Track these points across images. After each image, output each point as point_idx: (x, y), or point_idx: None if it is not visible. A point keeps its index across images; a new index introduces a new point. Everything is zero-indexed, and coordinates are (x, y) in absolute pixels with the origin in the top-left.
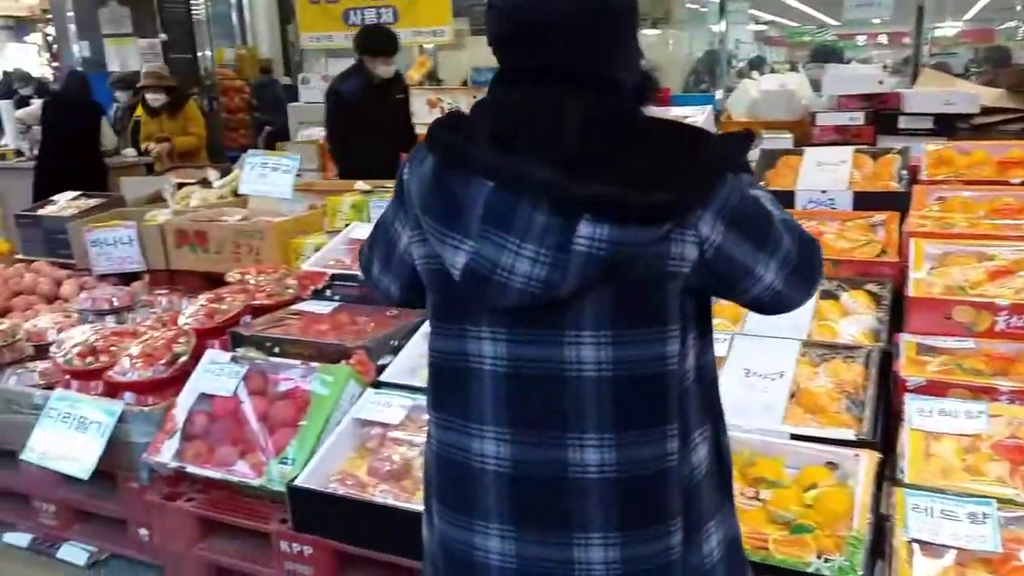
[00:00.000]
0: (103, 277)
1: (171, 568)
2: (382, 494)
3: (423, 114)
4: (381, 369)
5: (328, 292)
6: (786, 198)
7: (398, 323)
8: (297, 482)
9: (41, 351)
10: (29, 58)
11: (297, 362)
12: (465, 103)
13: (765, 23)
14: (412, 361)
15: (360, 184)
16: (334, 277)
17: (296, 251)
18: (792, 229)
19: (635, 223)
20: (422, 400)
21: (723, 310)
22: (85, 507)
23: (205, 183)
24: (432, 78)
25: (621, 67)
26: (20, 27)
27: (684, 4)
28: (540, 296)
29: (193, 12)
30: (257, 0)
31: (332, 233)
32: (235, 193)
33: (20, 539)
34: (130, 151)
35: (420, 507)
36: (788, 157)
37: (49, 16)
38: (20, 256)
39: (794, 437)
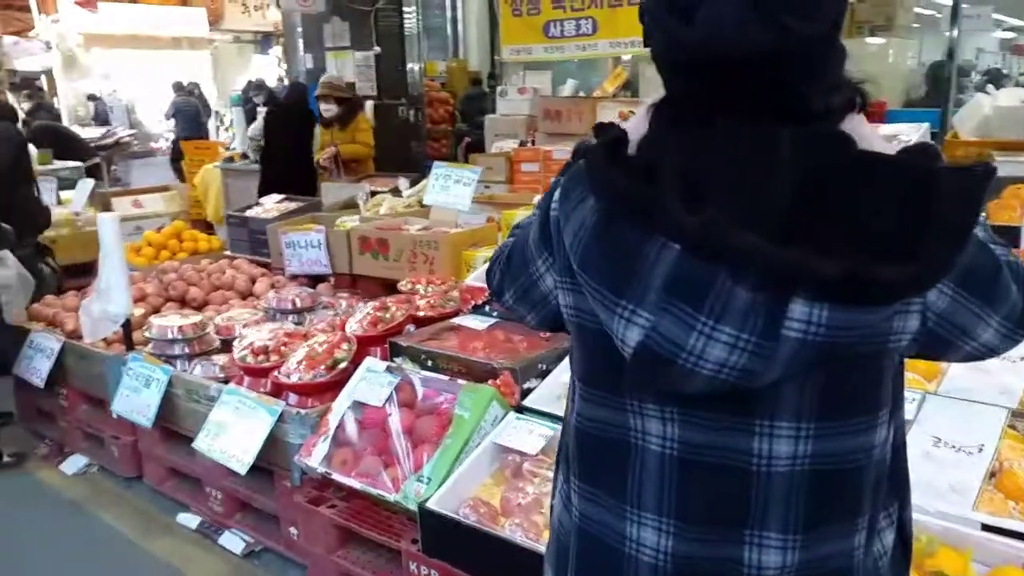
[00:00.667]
0: (293, 277)
1: (314, 569)
2: (512, 528)
3: None
4: (527, 393)
5: (487, 308)
6: (1009, 235)
7: (549, 346)
8: (429, 504)
9: (227, 344)
10: (270, 70)
11: (445, 378)
12: None
13: (1012, 29)
14: (559, 388)
15: (538, 199)
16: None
17: (467, 263)
18: (1016, 272)
19: (864, 303)
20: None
21: (916, 364)
22: (245, 499)
23: (396, 192)
24: (627, 88)
25: (834, 89)
26: (265, 41)
27: (911, 9)
28: (734, 385)
29: (406, 25)
30: (470, 13)
31: None
32: (421, 203)
33: (190, 520)
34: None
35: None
36: (1019, 187)
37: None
38: (228, 252)
39: (987, 528)
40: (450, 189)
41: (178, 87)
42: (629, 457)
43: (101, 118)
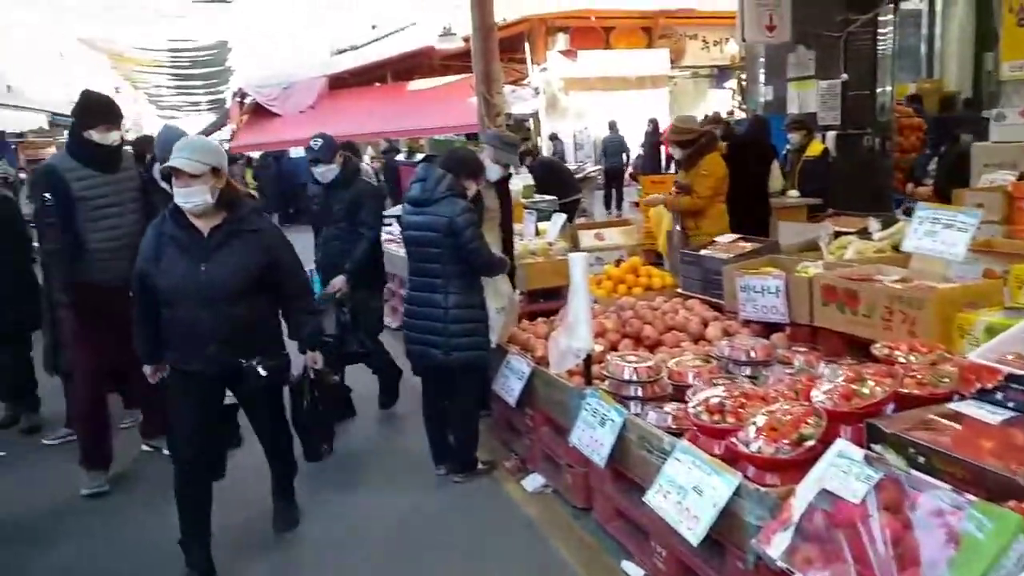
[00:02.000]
0: (747, 323)
1: None
2: None
3: None
4: None
5: (999, 396)
6: None
7: None
8: None
9: (679, 391)
10: (724, 102)
11: (947, 486)
12: None
13: None
14: None
15: None
16: (1011, 378)
17: (962, 329)
18: None
19: None
20: None
21: None
22: (692, 567)
23: (864, 233)
24: None
25: None
26: (721, 75)
27: None
28: None
29: (879, 48)
30: (950, 31)
31: (1014, 311)
32: (896, 248)
33: (634, 571)
34: (793, 193)
35: None
36: None
37: (743, 63)
38: (680, 291)
39: None
40: (937, 235)
41: (611, 126)
42: None
43: (558, 156)
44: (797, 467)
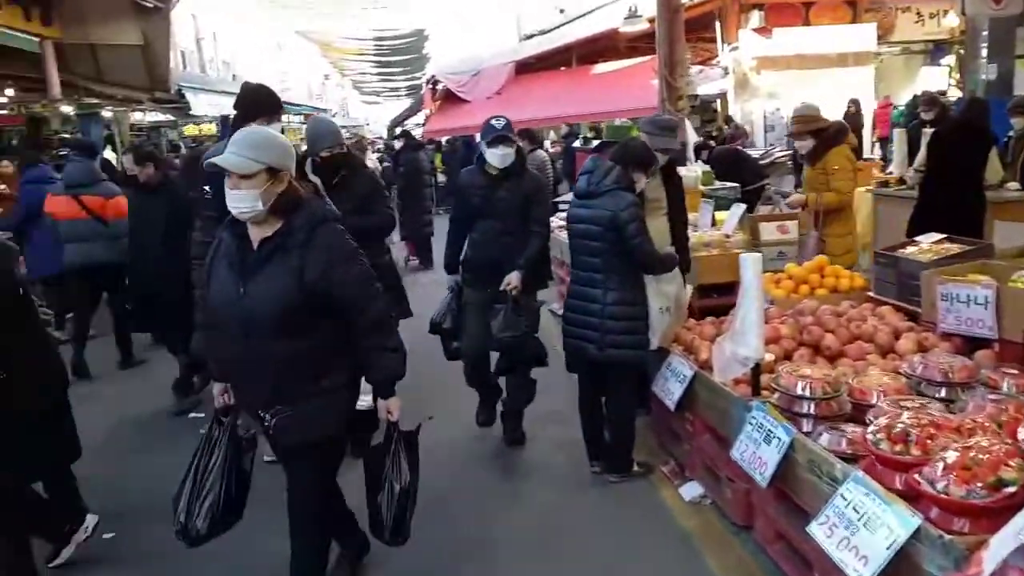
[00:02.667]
0: (946, 336)
1: None
2: None
3: None
4: None
5: None
6: None
7: None
8: None
9: (859, 411)
10: (938, 82)
11: None
12: None
13: None
14: None
15: None
16: None
17: None
18: None
19: None
20: None
21: None
22: None
23: None
24: None
25: None
26: (936, 51)
27: None
28: None
29: None
30: None
31: None
32: None
33: None
34: (1014, 186)
35: None
36: None
37: (963, 38)
38: (871, 294)
39: None
40: None
41: None
42: None
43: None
44: (992, 515)
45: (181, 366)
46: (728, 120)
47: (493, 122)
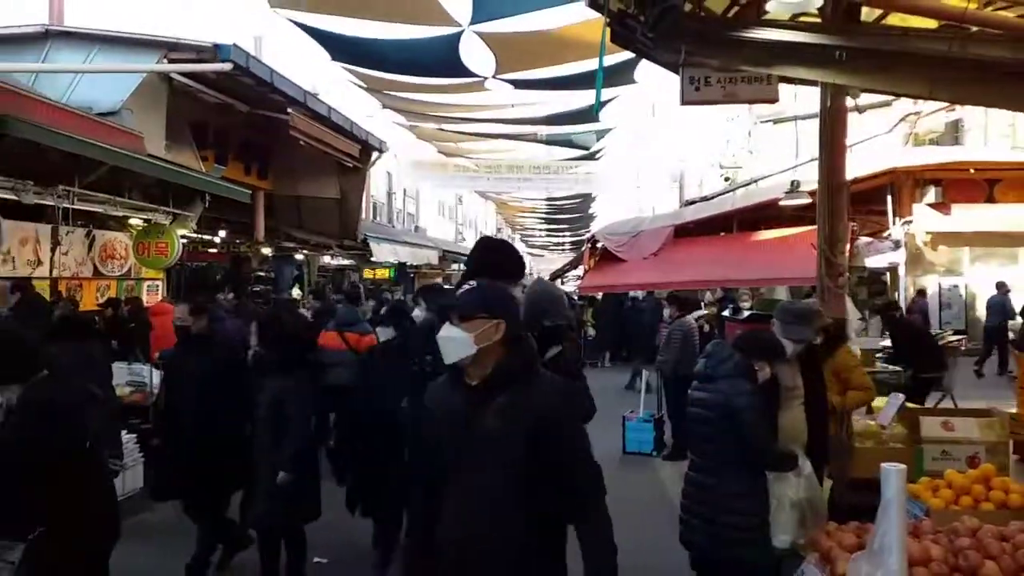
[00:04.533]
0: None
1: None
2: None
3: None
4: None
5: None
6: None
7: None
8: None
9: None
10: None
11: None
12: None
13: None
14: None
15: None
16: None
17: None
18: None
19: None
20: None
21: None
22: None
23: None
24: None
25: None
26: None
27: None
28: None
29: None
30: None
31: None
32: None
33: None
34: None
35: None
36: None
37: None
38: None
39: None
40: None
41: (999, 286)
42: None
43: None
44: None
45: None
46: (922, 293)
47: (463, 289)
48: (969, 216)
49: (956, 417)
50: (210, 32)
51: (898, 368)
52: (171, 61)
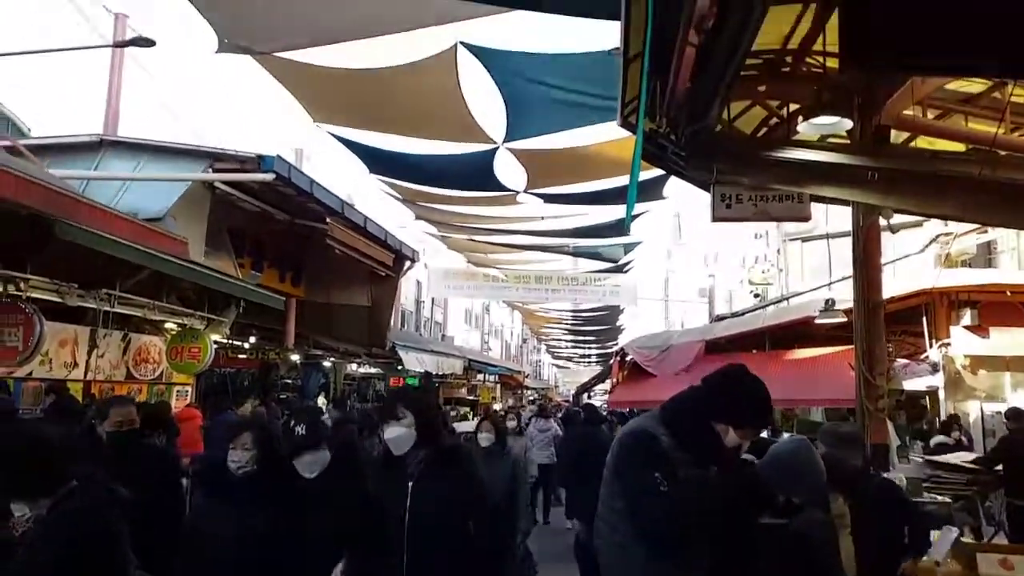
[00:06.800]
0: None
1: None
2: None
3: None
4: None
5: None
6: None
7: None
8: None
9: None
10: None
11: None
12: None
13: None
14: None
15: None
16: None
17: None
18: None
19: None
20: None
21: None
22: None
23: None
24: None
25: None
26: None
27: None
28: None
29: None
30: None
31: None
32: None
33: None
34: None
35: None
36: None
37: None
38: None
39: None
40: None
41: None
42: None
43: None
44: None
45: None
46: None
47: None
48: (1008, 340)
49: (1016, 555)
50: (255, 143)
51: (947, 499)
52: (215, 170)
